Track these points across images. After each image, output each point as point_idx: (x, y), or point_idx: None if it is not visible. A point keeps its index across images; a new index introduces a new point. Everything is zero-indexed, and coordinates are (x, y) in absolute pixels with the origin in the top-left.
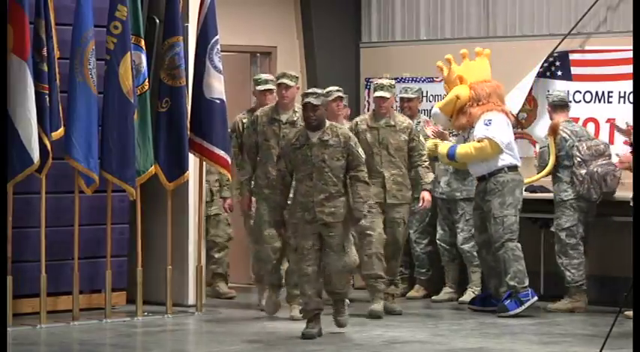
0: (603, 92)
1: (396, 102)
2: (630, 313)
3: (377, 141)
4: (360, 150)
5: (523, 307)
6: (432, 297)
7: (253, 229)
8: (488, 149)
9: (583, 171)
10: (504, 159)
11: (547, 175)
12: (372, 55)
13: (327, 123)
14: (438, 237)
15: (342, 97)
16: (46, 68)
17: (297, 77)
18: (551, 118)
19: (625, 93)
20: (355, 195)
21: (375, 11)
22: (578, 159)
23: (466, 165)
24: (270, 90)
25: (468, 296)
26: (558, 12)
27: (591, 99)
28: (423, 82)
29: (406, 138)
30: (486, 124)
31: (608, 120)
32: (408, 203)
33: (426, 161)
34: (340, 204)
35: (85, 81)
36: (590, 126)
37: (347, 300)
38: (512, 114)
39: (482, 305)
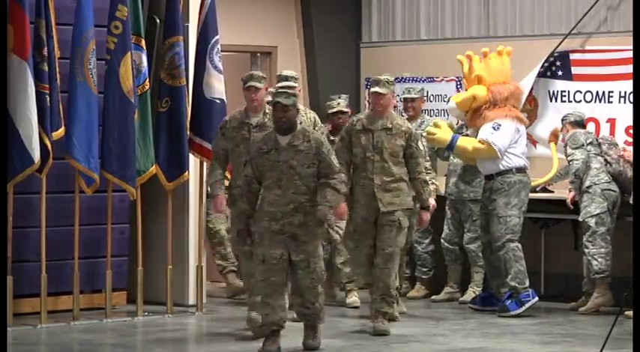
0: (604, 92)
1: (400, 101)
2: (630, 313)
3: (371, 144)
4: (334, 158)
5: (524, 308)
6: (432, 297)
7: (233, 242)
8: (485, 152)
9: (612, 152)
10: (512, 161)
11: (552, 178)
12: (373, 54)
13: (299, 126)
14: (443, 236)
15: (344, 112)
16: (46, 68)
17: (264, 77)
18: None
19: (625, 93)
20: (322, 197)
21: (376, 11)
22: (607, 143)
23: (474, 161)
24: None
25: (468, 295)
26: (558, 12)
27: (592, 99)
28: (423, 81)
29: (403, 143)
30: (494, 128)
31: (609, 120)
32: (408, 208)
33: (424, 171)
34: (311, 217)
35: (85, 81)
36: (591, 126)
37: (319, 325)
38: (525, 119)
39: (482, 304)
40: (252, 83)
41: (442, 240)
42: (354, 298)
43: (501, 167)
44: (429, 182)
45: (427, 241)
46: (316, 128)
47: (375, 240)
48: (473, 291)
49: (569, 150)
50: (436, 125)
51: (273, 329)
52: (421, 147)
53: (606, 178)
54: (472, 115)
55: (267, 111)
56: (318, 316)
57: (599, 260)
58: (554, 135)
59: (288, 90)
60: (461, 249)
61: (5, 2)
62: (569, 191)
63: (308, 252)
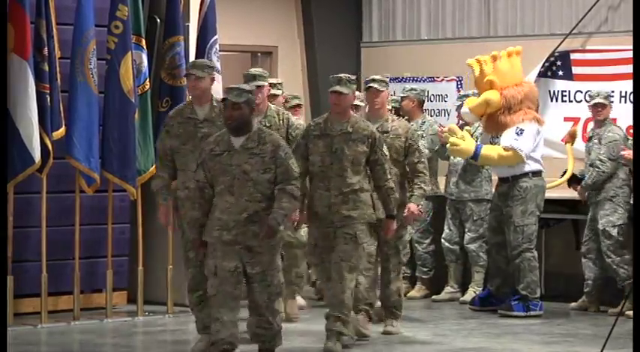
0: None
1: (396, 102)
2: (631, 313)
3: (329, 150)
4: (293, 162)
5: (528, 314)
6: (433, 297)
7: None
8: (512, 159)
9: None
10: (529, 165)
11: (567, 180)
12: (373, 54)
13: (255, 127)
14: (443, 236)
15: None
16: (47, 68)
17: (211, 67)
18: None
19: (626, 92)
20: (277, 204)
21: (376, 11)
22: None
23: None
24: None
25: (469, 295)
26: (559, 12)
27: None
28: (424, 81)
29: (366, 149)
30: (517, 134)
31: (612, 120)
32: (368, 222)
33: (390, 178)
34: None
35: (85, 80)
36: (590, 127)
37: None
38: (542, 120)
39: (481, 305)
40: (193, 71)
41: (442, 240)
42: None
43: (518, 171)
44: (422, 185)
45: (427, 241)
46: (290, 130)
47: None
48: (473, 291)
49: (603, 157)
50: (452, 132)
51: (223, 347)
52: (387, 153)
53: (629, 190)
54: (487, 120)
55: (214, 104)
56: (274, 338)
57: (626, 267)
58: (570, 136)
59: (244, 88)
60: (461, 248)
61: (5, 2)
62: (579, 188)
63: (264, 264)
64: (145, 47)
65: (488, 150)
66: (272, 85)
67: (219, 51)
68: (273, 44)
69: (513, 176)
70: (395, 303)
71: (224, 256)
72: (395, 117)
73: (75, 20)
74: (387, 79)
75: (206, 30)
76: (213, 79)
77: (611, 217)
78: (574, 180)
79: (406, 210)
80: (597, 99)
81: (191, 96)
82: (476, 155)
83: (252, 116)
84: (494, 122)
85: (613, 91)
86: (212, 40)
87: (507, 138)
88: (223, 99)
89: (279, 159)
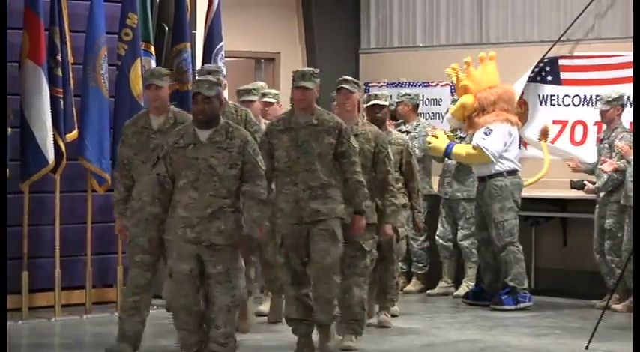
0: (591, 96)
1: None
2: (617, 306)
3: (295, 144)
4: (260, 159)
5: (518, 306)
6: (428, 291)
7: (129, 249)
8: (478, 157)
9: None
10: (503, 164)
11: (542, 177)
12: (371, 60)
13: (222, 120)
14: (437, 233)
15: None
16: (60, 73)
17: (168, 74)
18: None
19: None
20: (247, 214)
21: (374, 18)
22: None
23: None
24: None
25: (462, 290)
26: (548, 19)
27: (579, 103)
28: (419, 86)
29: (333, 141)
30: (485, 133)
31: (596, 123)
32: (339, 217)
33: (359, 171)
34: (232, 223)
35: (97, 85)
36: (579, 129)
37: None
38: (517, 121)
39: (474, 299)
40: (153, 81)
41: (437, 237)
42: None
43: (492, 170)
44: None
45: (422, 238)
46: (247, 126)
47: (309, 254)
48: (466, 286)
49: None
50: (434, 135)
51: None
52: (355, 145)
53: None
54: (468, 123)
55: (171, 115)
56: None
57: (619, 271)
58: (544, 134)
59: (211, 79)
60: (455, 245)
61: (5, 2)
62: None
63: (226, 263)
64: (153, 53)
65: (458, 149)
66: (265, 95)
67: (225, 57)
68: (275, 51)
69: (489, 175)
70: (357, 315)
71: (180, 257)
72: (366, 120)
73: (87, 28)
74: (359, 82)
75: (212, 37)
76: (171, 87)
77: (619, 218)
78: (577, 186)
79: (382, 233)
80: (597, 105)
81: (152, 106)
82: (448, 153)
83: (221, 109)
84: (472, 123)
85: (599, 95)
86: (218, 47)
87: (476, 137)
88: (195, 94)
89: (247, 155)
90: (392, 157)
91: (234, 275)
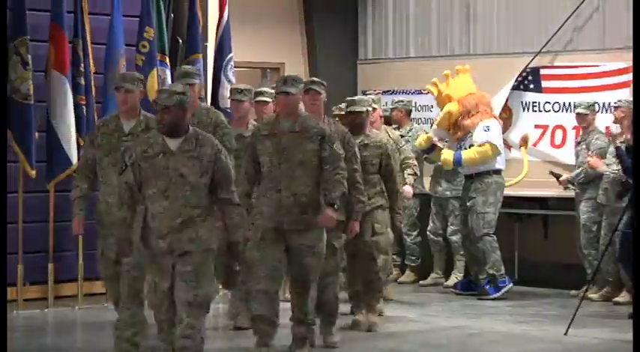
0: (570, 103)
1: (387, 111)
2: (593, 296)
3: (277, 150)
4: (232, 166)
5: (501, 292)
6: (420, 282)
7: (101, 262)
8: (489, 152)
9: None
10: (491, 164)
11: (522, 179)
12: (368, 70)
13: (191, 129)
14: (428, 229)
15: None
16: (83, 82)
17: (140, 79)
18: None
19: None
20: (229, 222)
21: (371, 32)
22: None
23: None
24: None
25: (451, 281)
26: (530, 32)
27: (559, 109)
28: (411, 94)
29: (316, 147)
30: (485, 130)
31: (574, 128)
32: (320, 228)
33: (341, 173)
34: (203, 230)
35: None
36: (559, 133)
37: None
38: (500, 120)
39: (462, 289)
40: (123, 84)
41: (428, 233)
42: None
43: (481, 168)
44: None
45: (415, 233)
46: (217, 129)
47: (286, 254)
48: (455, 277)
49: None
50: (427, 138)
51: None
52: (339, 151)
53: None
54: (453, 129)
55: (142, 119)
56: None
57: (595, 262)
58: (524, 141)
59: (174, 90)
60: (444, 240)
61: (5, 2)
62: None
63: (196, 264)
64: (168, 64)
65: (467, 153)
66: (259, 93)
67: (234, 67)
68: (280, 61)
69: (477, 173)
70: (332, 311)
71: (159, 271)
72: (332, 120)
73: (107, 40)
74: (325, 83)
75: (222, 49)
76: (142, 92)
77: (592, 214)
78: (555, 175)
79: (348, 230)
80: (578, 110)
81: (121, 110)
82: (458, 162)
83: (186, 117)
84: (458, 127)
85: (576, 103)
86: (227, 58)
87: (479, 135)
88: (154, 103)
89: (218, 163)
90: (359, 156)
91: (202, 276)
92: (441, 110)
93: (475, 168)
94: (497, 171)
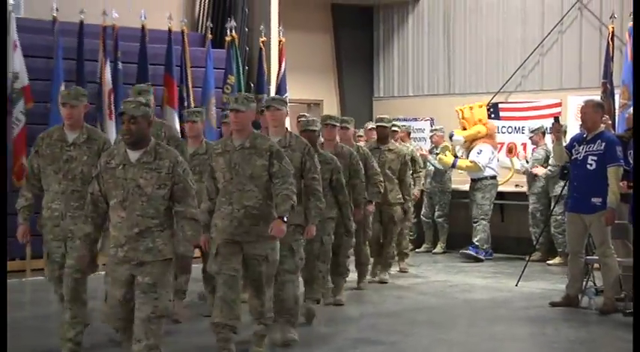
0: (519, 127)
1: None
2: (535, 258)
3: (229, 166)
4: (191, 179)
5: (477, 254)
6: (415, 250)
7: (47, 266)
8: (474, 168)
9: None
10: (488, 171)
11: (506, 182)
12: (380, 104)
13: (153, 141)
14: (422, 213)
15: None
16: (186, 114)
17: (83, 94)
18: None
19: (531, 127)
20: (182, 235)
21: (382, 77)
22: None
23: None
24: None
25: (438, 249)
26: (492, 77)
27: (512, 131)
28: (411, 120)
29: (265, 163)
30: (478, 153)
31: (522, 144)
32: (271, 239)
33: (290, 188)
34: (160, 240)
35: (209, 121)
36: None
37: None
38: (496, 145)
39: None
40: (68, 101)
41: (422, 216)
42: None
43: (481, 175)
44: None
45: (413, 216)
46: (171, 141)
47: (242, 264)
48: (440, 246)
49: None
50: (444, 150)
51: None
52: (287, 166)
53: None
54: (470, 142)
55: (84, 130)
56: None
57: (537, 235)
58: (509, 150)
59: (140, 100)
60: (433, 221)
61: (5, 3)
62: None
63: (154, 276)
64: None
65: (460, 163)
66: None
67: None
68: (320, 98)
69: (479, 178)
70: (291, 310)
71: (114, 280)
72: (294, 134)
73: (203, 84)
74: (286, 99)
75: (280, 89)
76: (86, 106)
77: (536, 204)
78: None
79: (305, 233)
80: (528, 134)
81: (66, 123)
82: (454, 165)
83: (149, 129)
84: (470, 142)
85: (524, 127)
86: (284, 96)
87: (472, 155)
88: (120, 113)
89: (177, 176)
90: (318, 165)
91: (161, 287)
92: (466, 126)
93: (476, 174)
94: (493, 177)
